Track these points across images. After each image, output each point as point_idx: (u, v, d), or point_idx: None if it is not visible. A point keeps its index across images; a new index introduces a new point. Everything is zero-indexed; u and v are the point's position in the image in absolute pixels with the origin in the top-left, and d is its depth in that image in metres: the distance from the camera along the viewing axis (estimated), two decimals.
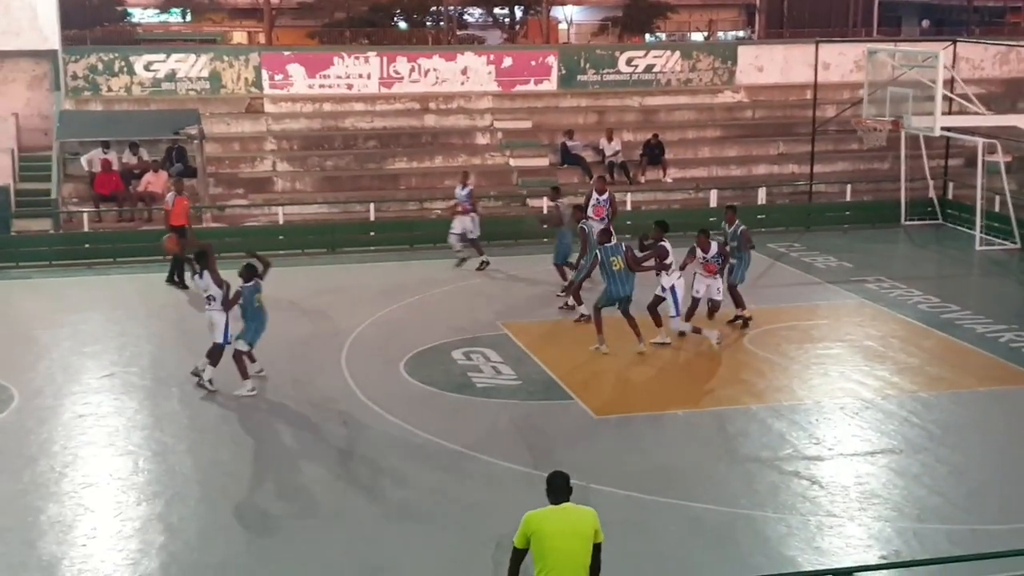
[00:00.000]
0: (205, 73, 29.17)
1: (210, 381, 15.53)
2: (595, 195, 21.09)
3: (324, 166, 28.14)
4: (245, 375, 15.50)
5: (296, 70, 29.68)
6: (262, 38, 52.89)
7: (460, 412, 15.00)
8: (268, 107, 29.27)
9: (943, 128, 20.74)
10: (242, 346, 15.51)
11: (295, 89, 29.65)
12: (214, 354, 15.54)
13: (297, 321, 18.91)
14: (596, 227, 18.93)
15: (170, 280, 21.13)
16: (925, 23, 69.07)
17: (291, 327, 18.43)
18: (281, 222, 25.26)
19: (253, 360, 15.89)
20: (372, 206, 25.61)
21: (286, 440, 14.23)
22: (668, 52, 32.43)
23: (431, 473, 13.09)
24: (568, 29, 59.17)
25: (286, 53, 30.88)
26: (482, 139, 29.55)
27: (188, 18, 60.19)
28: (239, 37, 58.45)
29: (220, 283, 15.41)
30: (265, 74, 29.46)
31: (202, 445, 14.02)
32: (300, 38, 52.06)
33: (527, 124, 30.00)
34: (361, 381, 16.01)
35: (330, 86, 29.88)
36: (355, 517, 12.10)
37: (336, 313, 19.49)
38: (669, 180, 28.49)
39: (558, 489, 8.35)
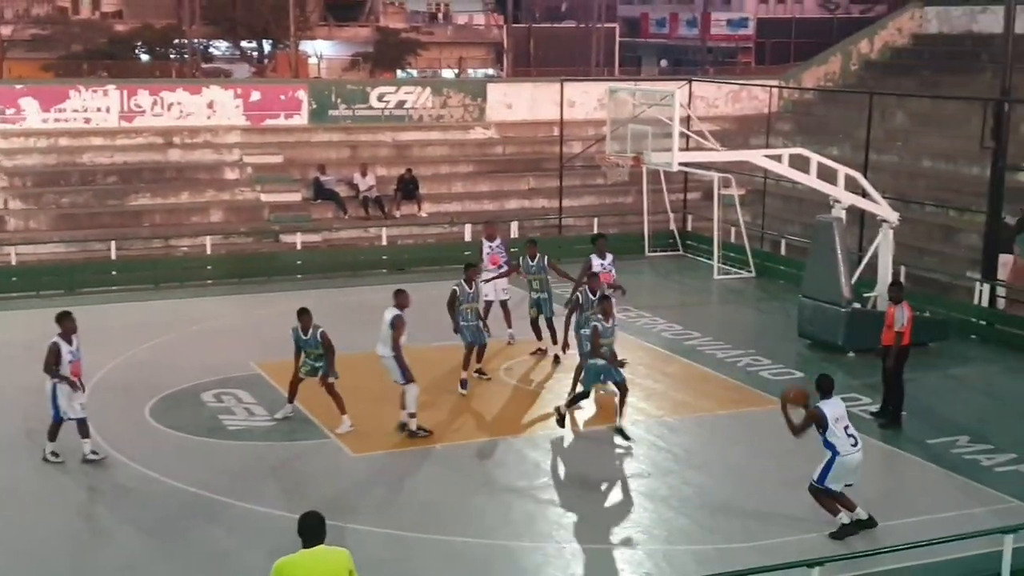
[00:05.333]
0: None
1: None
2: (596, 260, 18.30)
3: (60, 203, 26.91)
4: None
5: (29, 104, 28.36)
6: None
7: (211, 457, 14.54)
8: None
9: (681, 163, 21.59)
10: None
11: (28, 123, 28.33)
12: None
13: (32, 368, 17.79)
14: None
15: None
16: (663, 63, 72.49)
17: (26, 374, 17.35)
18: (14, 263, 23.91)
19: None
20: (113, 244, 24.61)
21: (21, 494, 13.39)
22: (419, 88, 32.72)
23: (179, 521, 12.62)
24: (318, 64, 58.95)
25: (18, 86, 29.51)
26: (231, 174, 28.93)
27: None
28: None
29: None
30: None
31: None
32: (34, 71, 49.84)
33: (278, 159, 29.59)
34: (103, 428, 15.25)
35: (66, 120, 28.68)
36: (97, 571, 11.51)
37: None
38: (424, 215, 28.68)
39: (310, 531, 8.21)
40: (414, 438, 15.03)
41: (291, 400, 15.77)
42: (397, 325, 14.92)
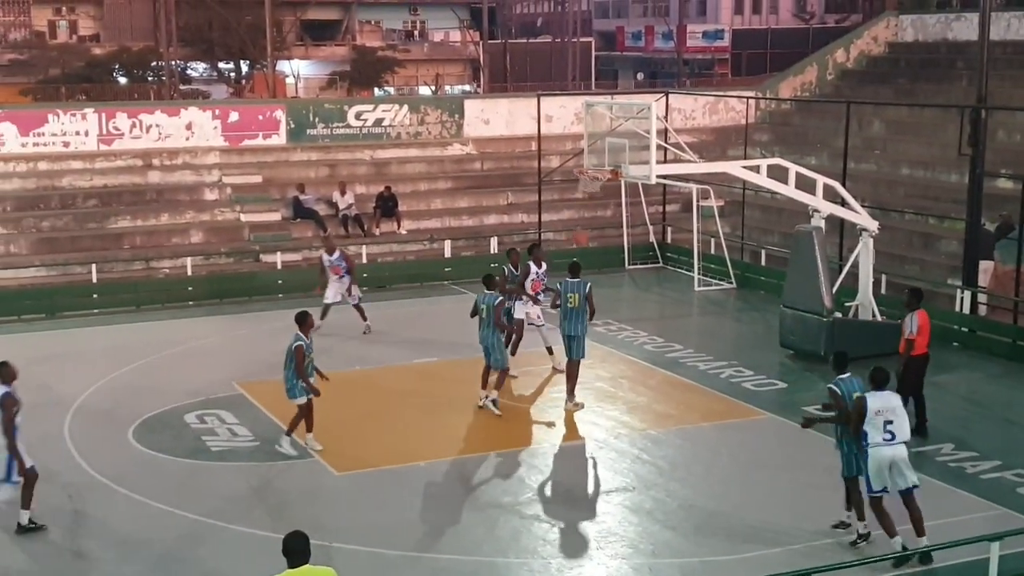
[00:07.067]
0: None
1: None
2: (533, 268, 18.76)
3: (40, 227, 26.82)
4: None
5: (7, 128, 28.35)
6: None
7: (194, 478, 14.48)
8: None
9: (659, 176, 21.67)
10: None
11: (7, 148, 28.32)
12: None
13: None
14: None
15: None
16: (640, 76, 72.75)
17: None
18: None
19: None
20: (94, 267, 24.52)
21: (4, 520, 13.27)
22: (396, 106, 32.77)
23: (164, 543, 12.54)
24: (296, 83, 58.94)
25: None
26: (210, 195, 28.90)
27: None
28: None
29: None
30: None
31: None
32: (12, 95, 49.61)
33: (257, 179, 29.58)
34: (86, 452, 15.22)
35: (45, 144, 28.64)
36: None
37: (58, 381, 18.46)
38: (404, 232, 28.69)
39: (295, 552, 8.18)
40: (25, 532, 12.67)
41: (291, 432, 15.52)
42: (6, 404, 12.25)
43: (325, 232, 28.06)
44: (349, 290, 21.19)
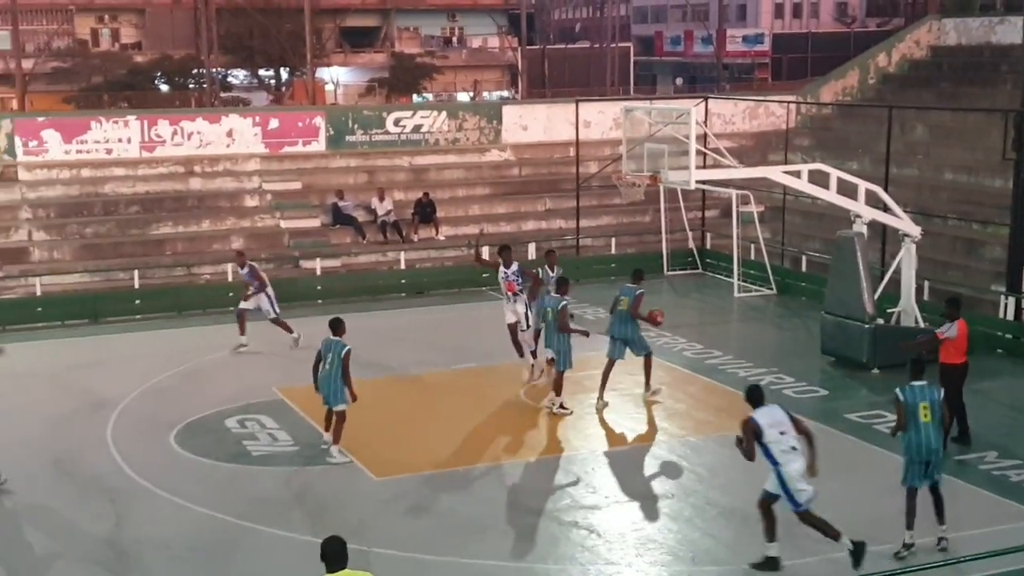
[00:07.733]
0: None
1: None
2: (502, 269, 18.87)
3: (84, 233, 27.10)
4: None
5: (51, 136, 28.62)
6: (15, 104, 50.62)
7: (235, 482, 14.57)
8: (22, 175, 28.04)
9: (698, 181, 21.56)
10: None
11: (51, 155, 28.57)
12: None
13: (58, 396, 18.03)
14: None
15: None
16: (679, 81, 72.49)
17: (51, 403, 17.58)
18: (39, 293, 24.10)
19: None
20: (136, 273, 24.75)
21: (50, 523, 13.44)
22: (435, 112, 32.82)
23: (205, 547, 12.64)
24: (335, 90, 59.23)
25: (40, 119, 29.69)
26: (251, 201, 29.09)
27: None
28: None
29: None
30: (18, 140, 28.27)
31: None
32: (55, 103, 50.16)
33: (297, 185, 29.75)
34: (129, 456, 15.35)
35: (88, 151, 28.92)
36: None
37: (100, 386, 18.65)
38: (442, 238, 28.76)
39: (333, 556, 8.20)
40: None
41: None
42: None
43: (363, 238, 28.22)
44: (261, 304, 20.81)
